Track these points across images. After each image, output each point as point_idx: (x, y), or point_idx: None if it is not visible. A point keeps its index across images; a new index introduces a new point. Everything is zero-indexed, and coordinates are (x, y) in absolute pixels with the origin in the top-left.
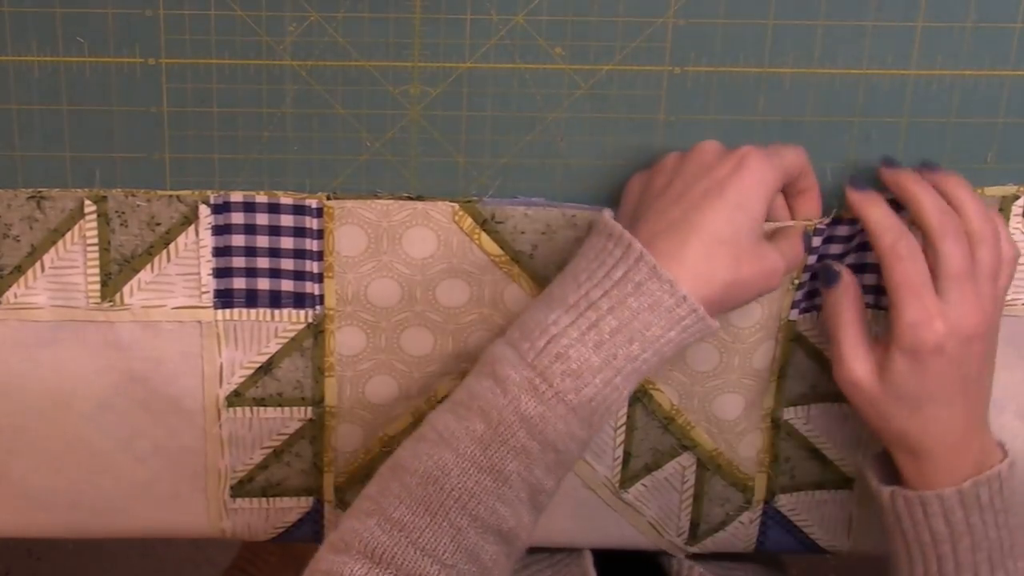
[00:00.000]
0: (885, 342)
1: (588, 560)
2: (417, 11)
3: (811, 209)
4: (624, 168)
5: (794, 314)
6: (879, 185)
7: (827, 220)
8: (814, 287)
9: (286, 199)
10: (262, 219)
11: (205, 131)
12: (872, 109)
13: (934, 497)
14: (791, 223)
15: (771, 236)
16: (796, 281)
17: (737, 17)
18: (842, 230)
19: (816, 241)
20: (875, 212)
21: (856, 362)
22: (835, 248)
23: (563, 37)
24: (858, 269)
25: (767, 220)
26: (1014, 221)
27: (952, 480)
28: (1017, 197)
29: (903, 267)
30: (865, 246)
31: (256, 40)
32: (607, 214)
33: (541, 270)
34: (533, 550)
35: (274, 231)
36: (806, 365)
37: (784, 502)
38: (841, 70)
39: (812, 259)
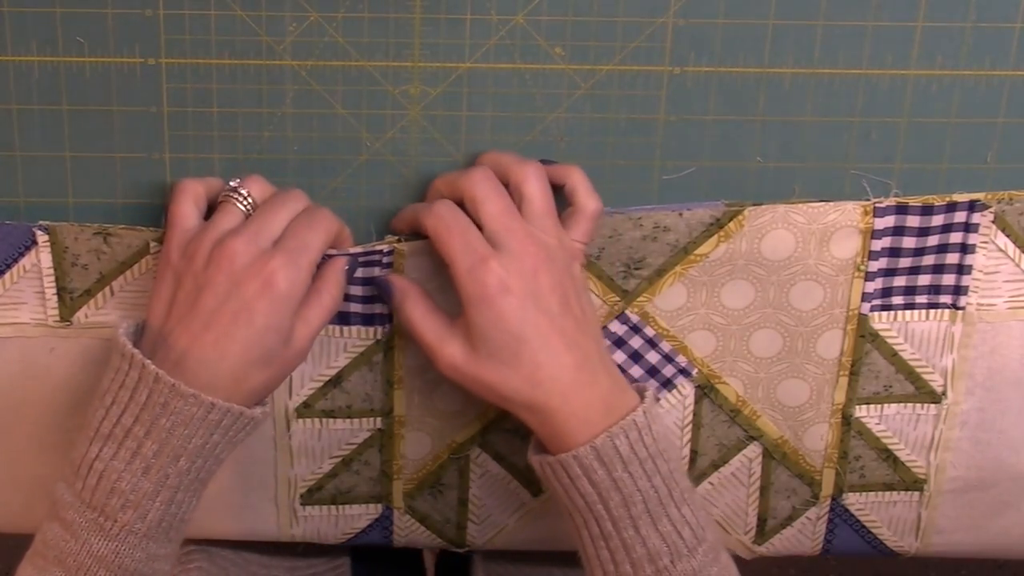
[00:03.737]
0: (462, 309)
1: (346, 566)
2: (417, 11)
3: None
4: (624, 168)
5: (865, 308)
6: None
7: (883, 200)
8: (889, 283)
9: (355, 249)
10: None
11: (205, 131)
12: (872, 109)
13: (571, 458)
14: (324, 266)
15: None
16: (863, 267)
17: (737, 17)
18: (913, 220)
19: (882, 223)
20: (421, 211)
21: (444, 345)
22: (908, 241)
23: (563, 37)
24: (936, 269)
25: None
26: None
27: (588, 437)
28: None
29: (444, 224)
30: (944, 247)
31: (256, 40)
32: (121, 332)
33: (607, 268)
34: (289, 554)
35: None
36: (882, 365)
37: (853, 501)
38: (841, 70)
39: (883, 244)
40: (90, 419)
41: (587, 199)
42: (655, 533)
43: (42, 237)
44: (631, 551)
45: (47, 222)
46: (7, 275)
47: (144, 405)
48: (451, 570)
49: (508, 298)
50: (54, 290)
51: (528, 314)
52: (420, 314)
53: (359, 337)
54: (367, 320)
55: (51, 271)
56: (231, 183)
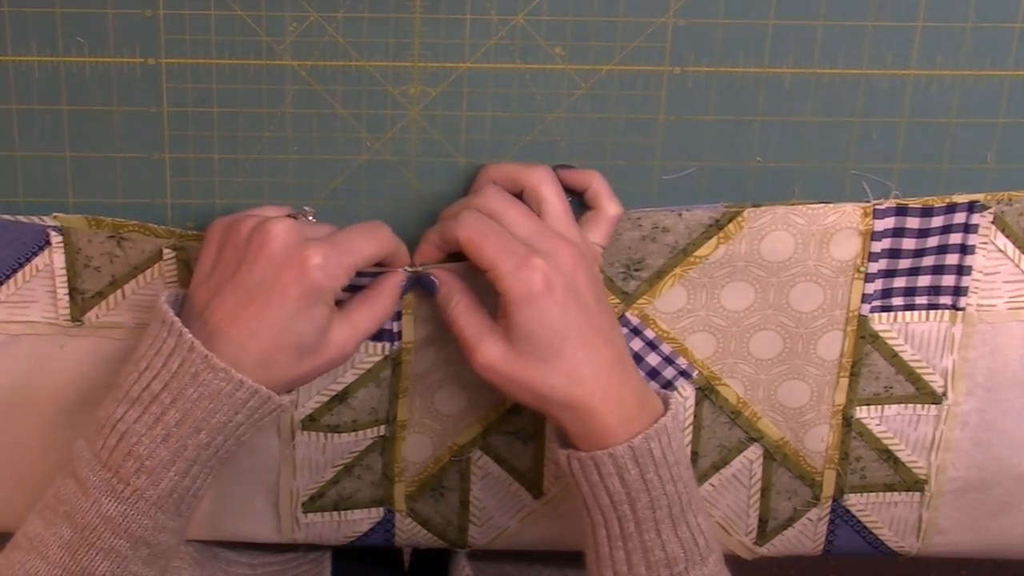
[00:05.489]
0: (502, 312)
1: (327, 561)
2: (417, 11)
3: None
4: (624, 168)
5: (865, 309)
6: None
7: (883, 202)
8: (889, 284)
9: (371, 270)
10: None
11: (205, 131)
12: (872, 109)
13: (607, 456)
14: (383, 276)
15: (353, 300)
16: (863, 269)
17: (737, 17)
18: (913, 222)
19: (882, 225)
20: (448, 225)
21: (483, 342)
22: (908, 243)
23: (563, 37)
24: (936, 270)
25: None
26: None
27: (621, 436)
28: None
29: (478, 231)
30: (944, 248)
31: (256, 40)
32: (163, 298)
33: (607, 269)
34: (268, 548)
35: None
36: (882, 366)
37: (854, 502)
38: (841, 70)
39: (883, 246)
40: (121, 381)
41: (609, 203)
42: (675, 538)
43: (56, 238)
44: (650, 554)
45: (62, 215)
46: (19, 274)
47: (175, 373)
48: (428, 562)
49: (553, 296)
50: (66, 290)
51: (570, 311)
52: (463, 309)
53: (367, 353)
54: (375, 335)
55: (63, 272)
56: (306, 207)
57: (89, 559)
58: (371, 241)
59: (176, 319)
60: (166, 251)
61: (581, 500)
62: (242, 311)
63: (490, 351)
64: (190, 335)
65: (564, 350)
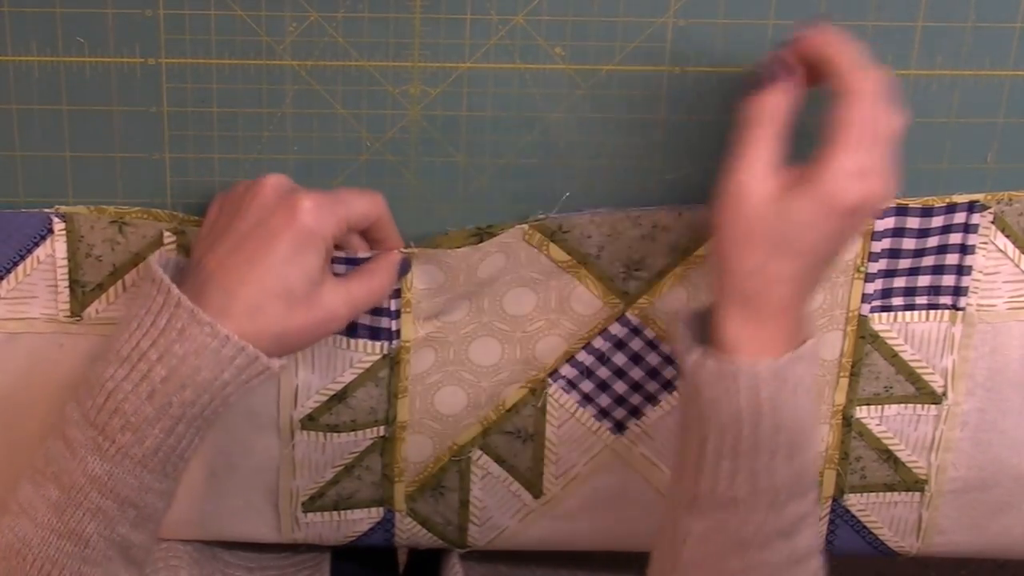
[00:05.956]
0: (798, 178)
1: (326, 562)
2: (417, 11)
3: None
4: (624, 168)
5: (865, 309)
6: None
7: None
8: (889, 284)
9: (364, 254)
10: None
11: (205, 131)
12: None
13: (750, 370)
14: (379, 254)
15: (351, 273)
16: (863, 269)
17: (737, 17)
18: (913, 222)
19: (882, 225)
20: (838, 47)
21: (759, 168)
22: (908, 243)
23: (563, 37)
24: (936, 270)
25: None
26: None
27: (768, 349)
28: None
29: (865, 106)
30: (944, 248)
31: (256, 40)
32: (153, 259)
33: (608, 269)
34: (267, 548)
35: (351, 262)
36: (882, 366)
37: (854, 501)
38: None
39: (883, 246)
40: (113, 342)
41: (861, 78)
42: (786, 469)
43: (58, 225)
44: (757, 478)
45: (64, 208)
46: (20, 267)
47: (163, 330)
48: (425, 563)
49: (844, 220)
50: (66, 283)
51: (831, 239)
52: (763, 133)
53: (365, 352)
54: (374, 334)
55: (64, 262)
56: None
57: (76, 520)
58: (363, 198)
59: (165, 276)
60: (167, 234)
61: (695, 408)
62: (233, 256)
63: (757, 182)
64: (178, 291)
65: (796, 258)
